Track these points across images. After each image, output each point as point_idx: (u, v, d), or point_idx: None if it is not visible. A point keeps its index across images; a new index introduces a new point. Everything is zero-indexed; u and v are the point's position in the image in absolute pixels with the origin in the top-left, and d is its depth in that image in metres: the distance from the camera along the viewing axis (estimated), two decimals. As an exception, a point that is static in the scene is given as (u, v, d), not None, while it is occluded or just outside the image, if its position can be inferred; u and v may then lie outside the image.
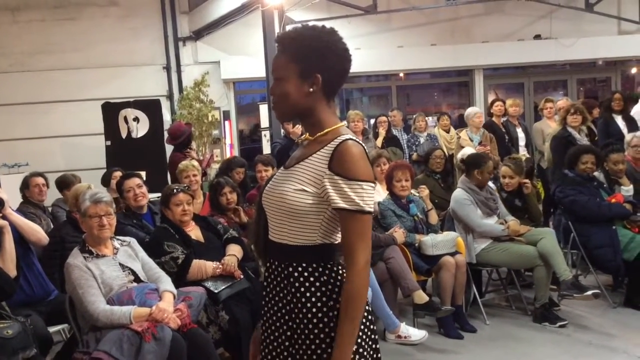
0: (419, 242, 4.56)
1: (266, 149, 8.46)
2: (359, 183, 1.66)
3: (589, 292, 4.43)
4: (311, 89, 1.76)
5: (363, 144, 1.75)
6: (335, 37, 1.81)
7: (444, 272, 4.47)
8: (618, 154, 5.32)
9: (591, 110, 6.80)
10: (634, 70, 11.38)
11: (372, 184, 1.70)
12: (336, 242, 1.78)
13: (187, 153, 6.25)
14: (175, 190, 3.91)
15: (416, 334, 4.22)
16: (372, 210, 1.71)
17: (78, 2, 9.35)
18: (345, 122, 1.77)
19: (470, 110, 7.05)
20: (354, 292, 1.68)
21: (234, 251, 3.89)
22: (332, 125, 1.77)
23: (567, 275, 4.45)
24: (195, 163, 5.31)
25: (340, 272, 1.79)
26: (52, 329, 3.66)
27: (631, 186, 5.26)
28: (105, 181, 5.83)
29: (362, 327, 1.77)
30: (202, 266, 3.69)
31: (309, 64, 1.75)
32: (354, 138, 1.73)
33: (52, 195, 5.65)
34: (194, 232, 3.94)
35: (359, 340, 1.76)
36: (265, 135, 8.76)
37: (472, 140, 6.56)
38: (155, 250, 3.67)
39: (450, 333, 4.40)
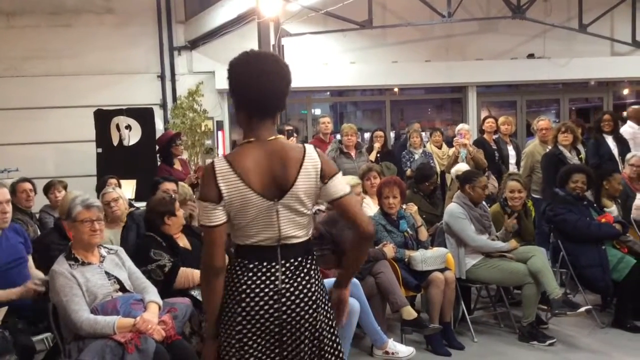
0: (409, 258, 4.55)
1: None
2: (198, 201, 2.08)
3: (582, 309, 4.45)
4: (235, 110, 2.14)
5: (219, 164, 2.00)
6: (243, 64, 2.05)
7: (433, 288, 4.45)
8: (618, 174, 5.40)
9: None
10: (625, 92, 11.48)
11: (205, 203, 2.00)
12: (240, 244, 2.10)
13: (175, 148, 6.34)
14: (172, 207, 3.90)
15: (404, 350, 4.19)
16: (211, 224, 2.02)
17: (74, 8, 9.34)
18: (253, 138, 2.07)
19: (458, 127, 7.09)
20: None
21: None
22: (242, 141, 2.08)
23: (557, 293, 4.45)
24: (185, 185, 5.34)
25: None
26: (35, 338, 3.60)
27: (614, 207, 5.31)
28: (100, 189, 5.79)
29: None
30: (190, 274, 3.67)
31: (229, 88, 2.09)
32: (218, 159, 2.03)
33: (40, 202, 5.60)
34: (181, 240, 3.93)
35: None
36: (258, 147, 8.74)
37: (459, 154, 6.54)
38: (141, 258, 3.64)
39: (438, 350, 4.37)
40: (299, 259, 2.08)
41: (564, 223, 4.95)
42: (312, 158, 2.04)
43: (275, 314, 2.03)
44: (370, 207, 5.14)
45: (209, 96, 9.41)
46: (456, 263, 4.70)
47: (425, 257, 4.51)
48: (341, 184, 2.09)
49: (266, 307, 2.02)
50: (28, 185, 5.22)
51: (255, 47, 7.72)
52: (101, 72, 9.29)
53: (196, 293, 3.62)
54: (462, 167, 6.00)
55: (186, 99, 9.15)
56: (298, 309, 2.05)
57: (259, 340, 2.04)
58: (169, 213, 3.86)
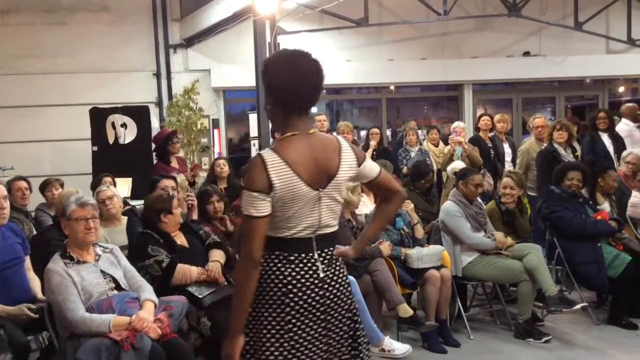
0: (405, 255, 4.55)
1: (255, 158, 8.45)
2: (245, 191, 2.05)
3: (578, 306, 4.48)
4: (268, 106, 2.18)
5: (269, 156, 2.05)
6: (284, 61, 2.14)
7: (429, 285, 4.45)
8: (613, 171, 5.41)
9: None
10: (621, 89, 11.51)
11: (254, 193, 2.02)
12: (277, 236, 2.12)
13: (171, 147, 6.32)
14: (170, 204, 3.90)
15: (400, 347, 4.19)
16: (257, 215, 2.03)
17: (69, 6, 9.31)
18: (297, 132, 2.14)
19: (454, 125, 7.11)
20: None
21: (217, 257, 3.88)
22: (285, 135, 2.13)
23: (553, 290, 4.46)
24: (182, 178, 5.30)
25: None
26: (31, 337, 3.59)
27: (606, 204, 5.32)
28: (95, 187, 5.78)
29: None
30: (187, 271, 3.66)
31: (264, 87, 2.16)
32: (265, 151, 2.07)
33: (35, 200, 5.59)
34: (179, 238, 3.92)
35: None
36: (254, 145, 8.74)
37: (454, 151, 6.56)
38: (139, 254, 3.65)
39: (434, 347, 4.38)
40: (331, 248, 2.20)
41: (560, 220, 4.96)
42: (347, 148, 2.19)
43: (321, 301, 2.13)
44: (367, 205, 5.15)
45: (204, 94, 9.40)
46: (452, 260, 4.71)
47: (421, 255, 4.52)
48: (373, 165, 2.28)
49: (313, 295, 2.11)
50: (23, 184, 5.20)
51: (251, 45, 7.73)
52: (97, 70, 9.26)
53: (193, 289, 3.62)
54: (458, 164, 6.01)
55: (182, 97, 9.13)
56: (339, 294, 2.18)
57: (307, 330, 2.12)
58: (166, 211, 3.85)
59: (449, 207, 4.82)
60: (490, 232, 4.89)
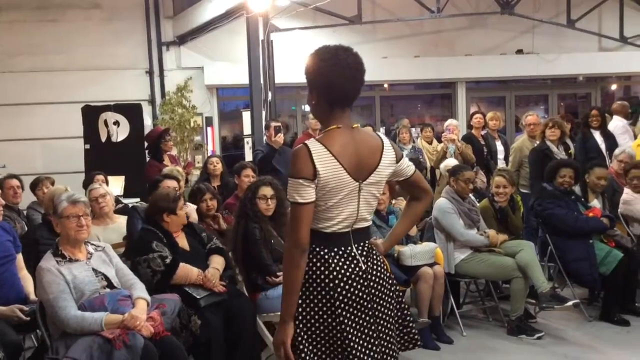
0: (398, 253, 4.56)
1: (248, 156, 8.44)
2: (290, 179, 2.09)
3: (570, 303, 4.50)
4: (313, 102, 2.22)
5: (314, 145, 2.10)
6: (327, 56, 2.18)
7: (422, 283, 4.46)
8: (602, 169, 5.40)
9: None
10: (613, 87, 11.56)
11: (300, 180, 2.07)
12: (317, 228, 2.16)
13: (164, 144, 6.34)
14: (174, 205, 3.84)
15: (393, 344, 4.19)
16: (302, 201, 2.08)
17: (60, 4, 9.27)
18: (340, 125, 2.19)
19: (447, 123, 7.12)
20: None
21: (217, 263, 3.81)
22: (329, 127, 2.19)
23: (545, 286, 4.47)
24: (180, 169, 5.28)
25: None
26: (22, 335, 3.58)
27: (595, 201, 5.34)
28: (87, 185, 5.76)
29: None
30: (189, 271, 3.64)
31: (308, 83, 2.22)
32: (310, 141, 2.11)
33: (28, 198, 5.57)
34: (180, 239, 3.86)
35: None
36: (247, 143, 8.73)
37: (447, 149, 6.57)
38: (142, 248, 3.62)
39: (427, 344, 4.38)
40: (366, 241, 2.26)
41: (552, 217, 4.98)
42: (388, 145, 2.25)
43: (366, 291, 2.19)
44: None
45: (197, 92, 9.38)
46: (445, 258, 4.72)
47: (414, 252, 4.52)
48: (409, 164, 2.37)
49: (359, 287, 2.17)
50: (15, 182, 5.19)
51: (244, 43, 7.71)
52: (89, 68, 9.23)
53: (191, 290, 3.61)
54: (451, 162, 6.02)
55: (175, 94, 9.11)
56: (383, 282, 2.25)
57: (358, 321, 2.16)
58: (169, 210, 3.79)
59: (442, 204, 4.83)
60: (483, 229, 4.90)
